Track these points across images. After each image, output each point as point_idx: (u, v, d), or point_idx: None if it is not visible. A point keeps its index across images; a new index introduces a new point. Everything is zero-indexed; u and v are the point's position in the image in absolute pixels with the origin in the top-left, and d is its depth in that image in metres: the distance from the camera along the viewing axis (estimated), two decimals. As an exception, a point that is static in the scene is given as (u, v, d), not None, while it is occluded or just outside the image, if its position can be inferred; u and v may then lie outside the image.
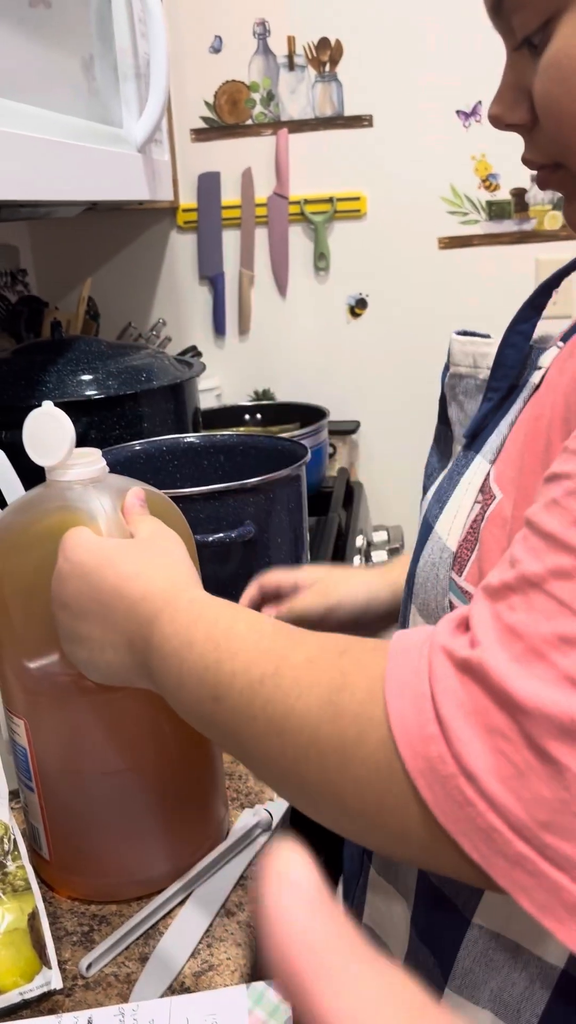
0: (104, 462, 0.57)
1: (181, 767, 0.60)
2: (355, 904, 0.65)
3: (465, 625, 0.39)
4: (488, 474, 0.49)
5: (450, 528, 0.51)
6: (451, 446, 0.61)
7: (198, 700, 0.46)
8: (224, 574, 0.86)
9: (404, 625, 0.57)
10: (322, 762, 0.40)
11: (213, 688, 0.45)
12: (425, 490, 0.61)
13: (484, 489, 0.49)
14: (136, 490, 0.57)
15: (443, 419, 0.62)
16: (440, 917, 0.53)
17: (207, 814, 0.64)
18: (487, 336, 0.58)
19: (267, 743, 0.43)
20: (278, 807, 0.69)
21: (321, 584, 0.73)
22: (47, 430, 0.54)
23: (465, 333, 0.59)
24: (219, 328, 1.72)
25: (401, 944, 0.58)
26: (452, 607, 0.49)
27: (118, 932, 0.58)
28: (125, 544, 0.53)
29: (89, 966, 0.56)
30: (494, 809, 0.35)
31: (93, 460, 0.56)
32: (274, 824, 0.68)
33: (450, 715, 0.36)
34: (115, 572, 0.51)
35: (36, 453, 0.54)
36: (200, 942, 0.58)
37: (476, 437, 0.53)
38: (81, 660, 0.54)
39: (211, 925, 0.60)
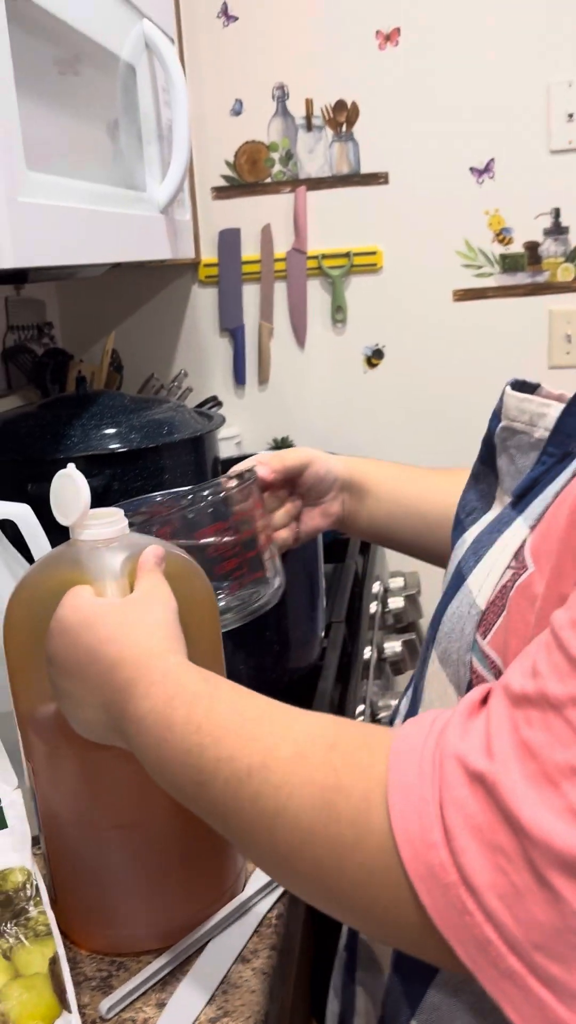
0: (124, 523, 0.59)
1: (193, 821, 0.62)
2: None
3: (477, 709, 0.40)
4: (525, 541, 0.49)
5: (481, 586, 0.51)
6: (494, 489, 0.62)
7: (181, 782, 0.47)
8: (242, 624, 0.88)
9: (423, 666, 0.58)
10: (316, 862, 0.41)
11: (197, 773, 0.45)
12: (459, 524, 0.62)
13: (518, 556, 0.49)
14: (154, 548, 0.59)
15: (485, 460, 0.62)
16: None
17: (223, 868, 0.65)
18: (538, 385, 0.59)
19: (257, 835, 0.43)
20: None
21: (300, 449, 0.83)
22: (67, 491, 0.57)
23: (518, 384, 0.59)
24: (239, 378, 1.76)
25: (388, 969, 0.59)
26: (472, 667, 0.50)
27: (137, 978, 0.60)
28: (108, 606, 0.54)
29: (109, 1009, 0.58)
30: (491, 922, 0.36)
31: (111, 521, 0.59)
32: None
33: (455, 825, 0.37)
34: (93, 634, 0.53)
35: (58, 512, 0.57)
36: (216, 988, 0.60)
37: (522, 497, 0.53)
38: (67, 714, 0.56)
39: (227, 972, 0.61)
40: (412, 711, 0.59)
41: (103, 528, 0.58)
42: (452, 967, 0.38)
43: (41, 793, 0.61)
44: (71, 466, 0.56)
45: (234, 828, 0.45)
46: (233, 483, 0.77)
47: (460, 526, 0.62)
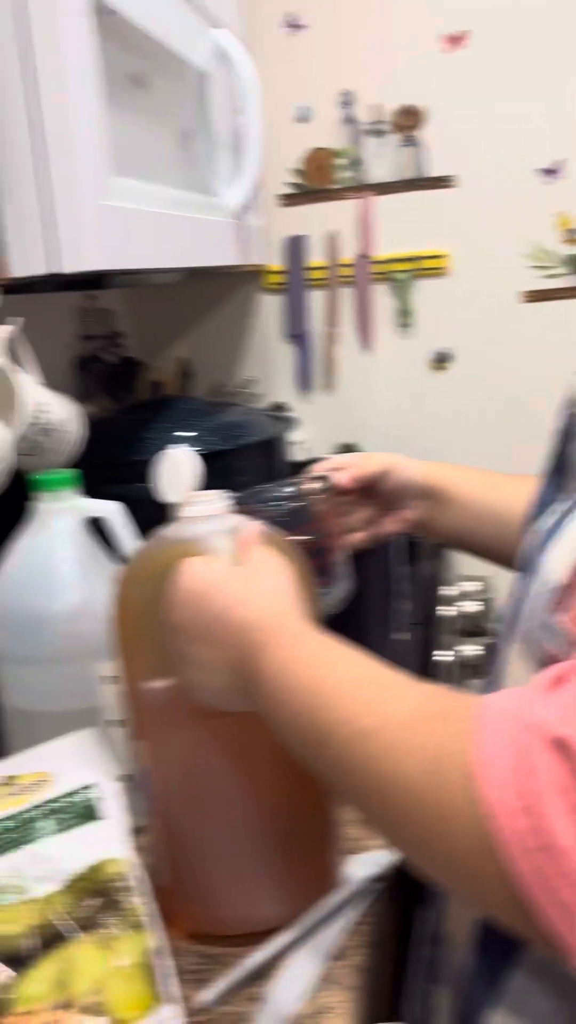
0: (226, 502, 0.60)
1: (299, 797, 0.62)
2: (438, 914, 0.65)
3: (557, 683, 0.41)
4: None
5: (557, 565, 0.52)
6: (566, 480, 0.62)
7: (303, 742, 0.49)
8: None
9: (501, 652, 0.58)
10: (423, 827, 0.42)
11: (316, 733, 0.47)
12: (534, 515, 0.62)
13: None
14: (256, 523, 0.61)
15: (559, 453, 0.63)
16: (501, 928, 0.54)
17: (325, 853, 0.65)
18: None
19: (370, 798, 0.45)
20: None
21: (380, 456, 0.84)
22: (175, 469, 0.60)
23: None
24: (305, 384, 1.76)
25: (467, 955, 0.58)
26: (549, 645, 0.50)
27: (235, 972, 0.60)
28: (232, 572, 0.56)
29: (207, 1001, 0.58)
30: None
31: (215, 499, 0.61)
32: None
33: (540, 790, 0.38)
34: (221, 598, 0.54)
35: (165, 489, 0.59)
36: (313, 985, 0.59)
37: None
38: (193, 683, 0.56)
39: (325, 969, 0.60)
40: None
41: (210, 504, 0.59)
42: (543, 942, 0.38)
43: (151, 771, 0.61)
44: (179, 446, 0.58)
45: (350, 790, 0.46)
46: (311, 486, 0.77)
47: (534, 516, 0.62)
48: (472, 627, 1.31)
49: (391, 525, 0.85)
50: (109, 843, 0.61)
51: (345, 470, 0.80)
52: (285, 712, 0.49)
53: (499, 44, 1.55)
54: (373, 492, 0.83)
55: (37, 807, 0.61)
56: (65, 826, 0.61)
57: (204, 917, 0.64)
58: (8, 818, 0.61)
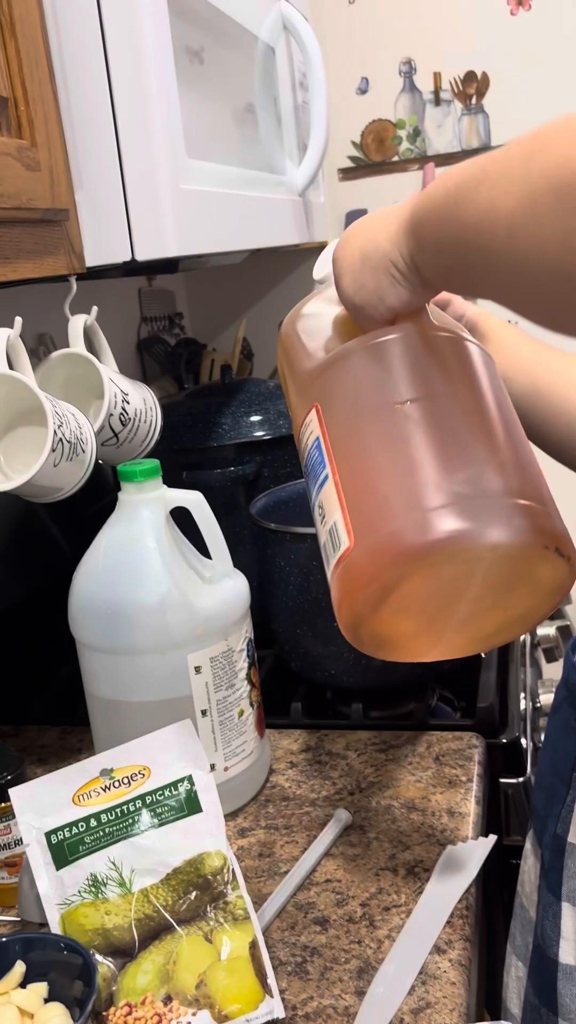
0: None
1: (486, 400, 0.59)
2: (559, 828, 0.64)
3: None
4: None
5: None
6: None
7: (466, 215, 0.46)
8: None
9: None
10: None
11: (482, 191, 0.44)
12: None
13: None
14: None
15: None
16: None
17: (533, 471, 0.56)
18: None
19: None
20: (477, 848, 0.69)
21: None
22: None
23: None
24: (367, 361, 1.73)
25: None
26: None
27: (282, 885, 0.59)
28: None
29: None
30: None
31: None
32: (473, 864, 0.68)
33: None
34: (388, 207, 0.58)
35: (318, 266, 0.71)
36: (416, 979, 0.59)
37: None
38: (351, 284, 0.59)
39: (424, 963, 0.60)
40: None
41: None
42: None
43: (325, 422, 0.59)
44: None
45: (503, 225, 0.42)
46: None
47: None
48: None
49: None
50: (208, 836, 0.61)
51: None
52: (445, 223, 0.48)
53: (565, 2, 1.50)
54: None
55: (136, 799, 0.61)
56: (164, 819, 0.61)
57: (405, 564, 0.51)
58: (108, 810, 0.61)
